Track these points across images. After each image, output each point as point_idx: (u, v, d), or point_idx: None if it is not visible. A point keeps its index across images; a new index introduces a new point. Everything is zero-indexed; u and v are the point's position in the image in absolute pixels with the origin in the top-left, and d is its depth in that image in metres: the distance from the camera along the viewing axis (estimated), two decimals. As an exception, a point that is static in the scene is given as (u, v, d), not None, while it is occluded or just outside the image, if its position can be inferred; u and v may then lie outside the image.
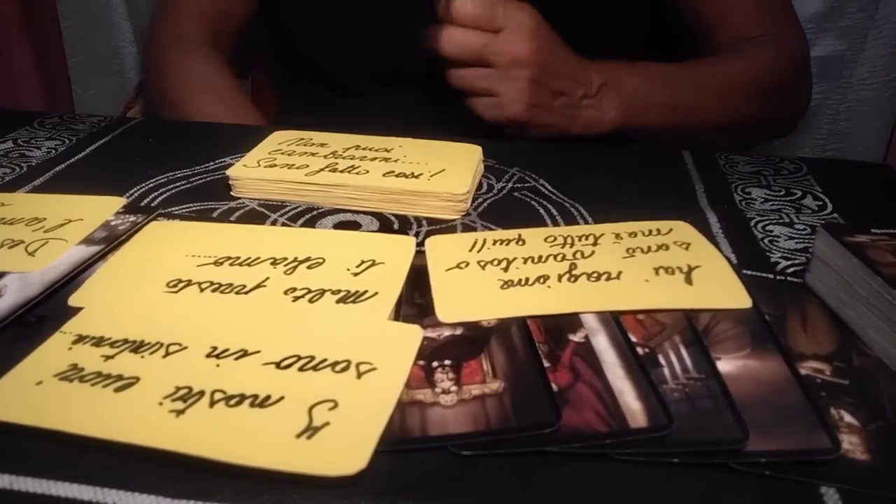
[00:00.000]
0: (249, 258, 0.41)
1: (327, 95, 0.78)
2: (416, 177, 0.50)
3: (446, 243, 0.44)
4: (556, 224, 0.47)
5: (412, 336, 0.35)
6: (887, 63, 0.90)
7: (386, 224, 0.48)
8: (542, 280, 0.39)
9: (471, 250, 0.43)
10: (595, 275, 0.40)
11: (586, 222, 0.47)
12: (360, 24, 0.74)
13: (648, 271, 0.40)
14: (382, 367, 0.32)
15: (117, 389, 0.31)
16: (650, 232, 0.44)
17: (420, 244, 0.44)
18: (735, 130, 0.73)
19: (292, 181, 0.50)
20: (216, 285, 0.39)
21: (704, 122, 0.68)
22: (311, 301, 0.38)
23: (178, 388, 0.31)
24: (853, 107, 0.93)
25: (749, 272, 0.41)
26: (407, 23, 0.68)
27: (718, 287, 0.39)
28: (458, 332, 0.36)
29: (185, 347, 0.33)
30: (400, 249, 0.43)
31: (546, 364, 0.33)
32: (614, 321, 0.36)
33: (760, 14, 0.73)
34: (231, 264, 0.41)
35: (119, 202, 0.48)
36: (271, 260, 0.41)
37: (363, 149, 0.55)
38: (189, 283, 0.39)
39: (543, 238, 0.44)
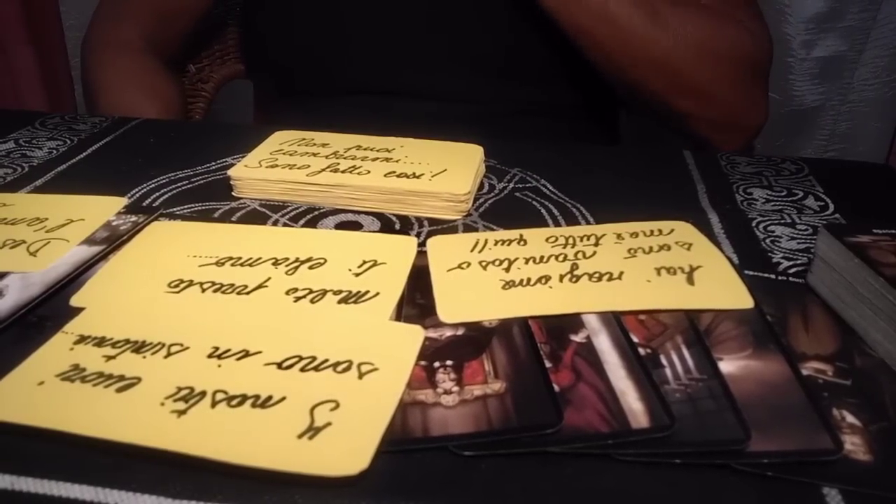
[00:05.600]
0: (251, 258, 0.41)
1: (315, 104, 0.77)
2: (418, 177, 0.50)
3: (448, 243, 0.44)
4: (557, 224, 0.47)
5: (414, 336, 0.35)
6: (889, 63, 0.90)
7: (387, 224, 0.48)
8: (543, 280, 0.39)
9: (472, 250, 0.43)
10: (597, 275, 0.40)
11: (588, 222, 0.47)
12: (347, 35, 0.73)
13: (650, 271, 0.40)
14: (384, 368, 0.32)
15: (119, 390, 0.31)
16: (652, 232, 0.44)
17: (421, 244, 0.44)
18: (664, 90, 0.66)
19: (294, 181, 0.50)
20: (218, 285, 0.39)
21: (636, 56, 0.63)
22: (312, 301, 0.38)
23: (180, 389, 0.31)
24: (855, 107, 0.93)
25: (751, 273, 0.41)
26: (395, 33, 0.68)
27: (720, 287, 0.39)
28: (460, 332, 0.36)
29: (187, 348, 0.33)
30: (401, 250, 0.43)
31: (548, 364, 0.33)
32: (616, 321, 0.36)
33: (731, 3, 0.69)
34: (232, 265, 0.41)
35: (120, 202, 0.48)
36: (273, 260, 0.41)
37: (364, 149, 0.55)
38: (190, 283, 0.39)
39: (545, 238, 0.44)
